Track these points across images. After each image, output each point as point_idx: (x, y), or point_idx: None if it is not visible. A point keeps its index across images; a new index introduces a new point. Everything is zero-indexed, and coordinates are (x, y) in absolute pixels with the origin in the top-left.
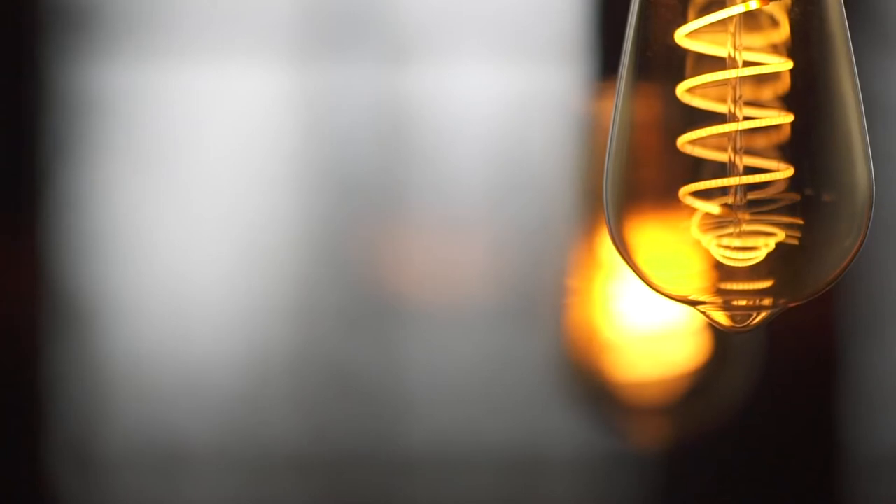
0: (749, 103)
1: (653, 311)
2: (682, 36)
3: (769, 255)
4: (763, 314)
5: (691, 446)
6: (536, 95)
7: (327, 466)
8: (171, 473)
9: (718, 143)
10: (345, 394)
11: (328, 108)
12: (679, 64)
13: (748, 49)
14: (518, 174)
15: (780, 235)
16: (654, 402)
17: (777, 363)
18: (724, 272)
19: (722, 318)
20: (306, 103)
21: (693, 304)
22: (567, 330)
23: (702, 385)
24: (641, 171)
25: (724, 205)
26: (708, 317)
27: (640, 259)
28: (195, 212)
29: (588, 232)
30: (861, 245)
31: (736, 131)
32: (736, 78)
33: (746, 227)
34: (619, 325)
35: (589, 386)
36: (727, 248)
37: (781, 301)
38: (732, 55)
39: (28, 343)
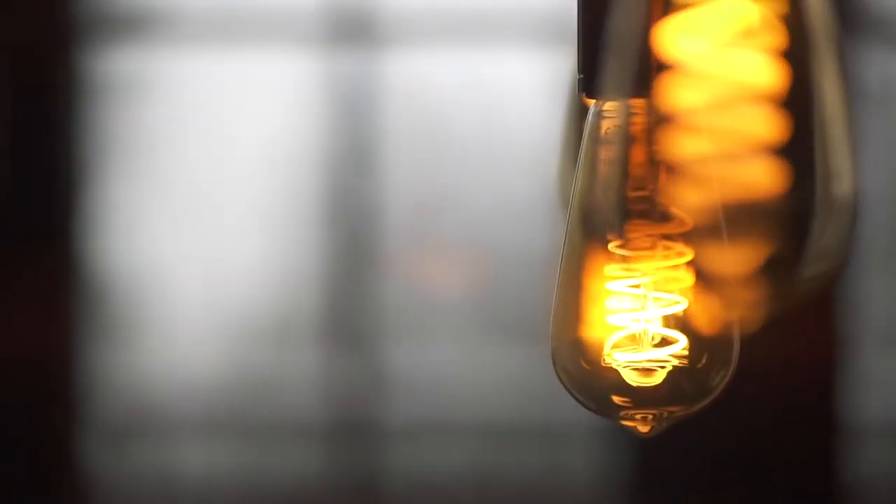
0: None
1: (652, 305)
2: (662, 40)
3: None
4: (754, 313)
5: (682, 428)
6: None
7: (331, 435)
8: (174, 444)
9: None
10: (347, 378)
11: (336, 98)
12: (655, 70)
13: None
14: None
15: (771, 246)
16: (653, 389)
17: (775, 350)
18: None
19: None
20: (311, 96)
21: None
22: (568, 322)
23: (697, 372)
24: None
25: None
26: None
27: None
28: (215, 201)
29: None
30: (851, 248)
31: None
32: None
33: (737, 230)
34: (620, 319)
35: (589, 370)
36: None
37: (771, 307)
38: (717, 60)
39: (63, 341)
